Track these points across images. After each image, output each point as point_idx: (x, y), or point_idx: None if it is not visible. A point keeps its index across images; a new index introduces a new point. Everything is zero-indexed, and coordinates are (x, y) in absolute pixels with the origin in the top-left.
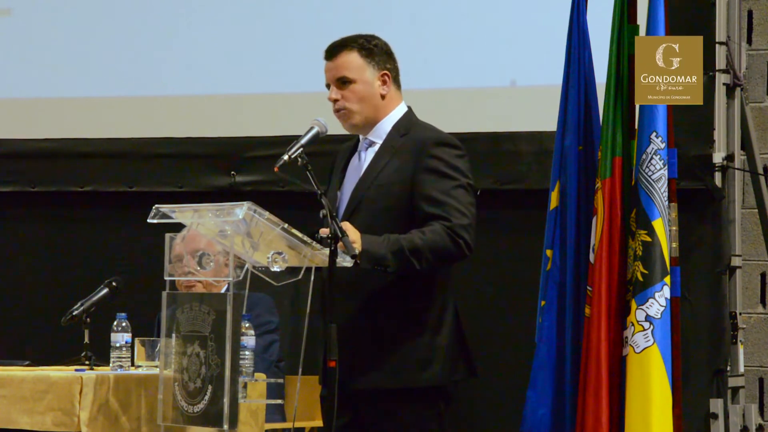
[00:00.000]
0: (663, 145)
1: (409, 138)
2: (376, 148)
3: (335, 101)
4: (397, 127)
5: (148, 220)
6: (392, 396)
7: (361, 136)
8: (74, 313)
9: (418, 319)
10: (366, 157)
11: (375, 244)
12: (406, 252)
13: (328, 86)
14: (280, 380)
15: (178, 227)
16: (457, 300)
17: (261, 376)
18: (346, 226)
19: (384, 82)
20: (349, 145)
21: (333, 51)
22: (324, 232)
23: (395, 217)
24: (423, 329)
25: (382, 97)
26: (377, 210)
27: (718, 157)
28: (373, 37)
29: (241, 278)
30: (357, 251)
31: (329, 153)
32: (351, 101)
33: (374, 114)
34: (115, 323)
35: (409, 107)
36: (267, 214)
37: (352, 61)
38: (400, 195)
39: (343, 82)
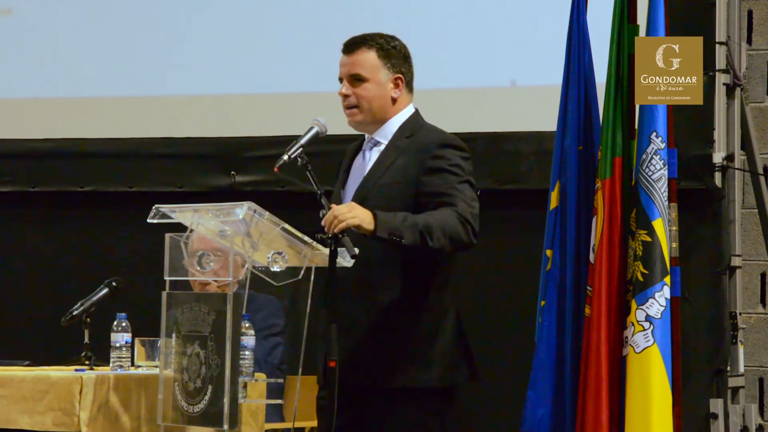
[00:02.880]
0: (663, 145)
1: (414, 139)
2: (381, 147)
3: (345, 96)
4: (402, 128)
5: (148, 220)
6: (392, 396)
7: (366, 136)
8: (74, 313)
9: (419, 320)
10: (371, 157)
11: (389, 216)
12: (419, 226)
13: (340, 80)
14: (280, 380)
15: (178, 227)
16: (458, 302)
17: (261, 376)
18: (352, 206)
19: (396, 86)
20: (355, 145)
21: (352, 46)
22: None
23: None
24: (424, 331)
25: (393, 100)
26: (380, 209)
27: (718, 157)
28: (393, 38)
29: (241, 278)
30: (356, 251)
31: (329, 153)
32: (361, 99)
33: (381, 115)
34: (115, 323)
35: (416, 109)
36: (267, 214)
37: (369, 60)
38: (403, 195)
39: (356, 79)
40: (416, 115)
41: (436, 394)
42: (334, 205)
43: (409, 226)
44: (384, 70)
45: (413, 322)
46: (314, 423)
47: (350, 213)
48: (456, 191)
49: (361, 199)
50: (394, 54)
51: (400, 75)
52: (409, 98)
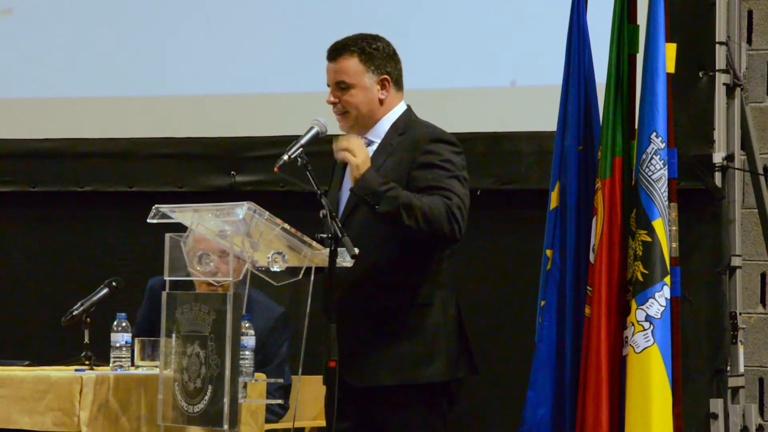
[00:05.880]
0: (663, 145)
1: (406, 136)
2: (375, 147)
3: (334, 104)
4: (395, 125)
5: (148, 220)
6: (395, 394)
7: (360, 136)
8: (74, 313)
9: (419, 316)
10: None
11: (375, 179)
12: (399, 201)
13: (329, 86)
14: (280, 380)
15: (178, 227)
16: (458, 299)
17: (261, 376)
18: (354, 144)
19: (383, 87)
20: None
21: (334, 53)
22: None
23: None
24: (424, 327)
25: (381, 102)
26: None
27: (718, 157)
28: (375, 40)
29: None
30: (356, 251)
31: (329, 153)
32: (348, 105)
33: (370, 118)
34: (115, 323)
35: (408, 106)
36: (267, 214)
37: (351, 67)
38: None
39: (341, 87)
40: (408, 112)
41: (438, 390)
42: (350, 138)
43: (390, 196)
44: (368, 74)
45: (413, 318)
46: (314, 423)
47: (355, 157)
48: (446, 185)
49: (356, 199)
50: (377, 55)
51: (385, 76)
52: (398, 96)
